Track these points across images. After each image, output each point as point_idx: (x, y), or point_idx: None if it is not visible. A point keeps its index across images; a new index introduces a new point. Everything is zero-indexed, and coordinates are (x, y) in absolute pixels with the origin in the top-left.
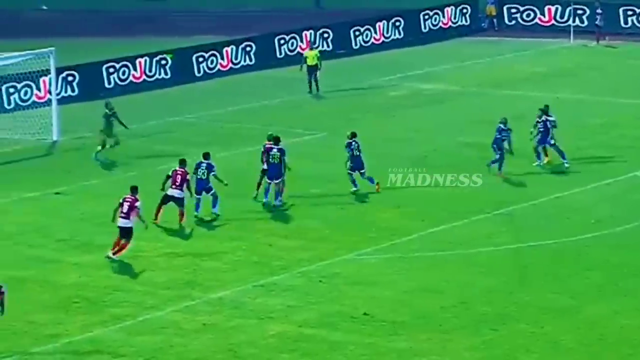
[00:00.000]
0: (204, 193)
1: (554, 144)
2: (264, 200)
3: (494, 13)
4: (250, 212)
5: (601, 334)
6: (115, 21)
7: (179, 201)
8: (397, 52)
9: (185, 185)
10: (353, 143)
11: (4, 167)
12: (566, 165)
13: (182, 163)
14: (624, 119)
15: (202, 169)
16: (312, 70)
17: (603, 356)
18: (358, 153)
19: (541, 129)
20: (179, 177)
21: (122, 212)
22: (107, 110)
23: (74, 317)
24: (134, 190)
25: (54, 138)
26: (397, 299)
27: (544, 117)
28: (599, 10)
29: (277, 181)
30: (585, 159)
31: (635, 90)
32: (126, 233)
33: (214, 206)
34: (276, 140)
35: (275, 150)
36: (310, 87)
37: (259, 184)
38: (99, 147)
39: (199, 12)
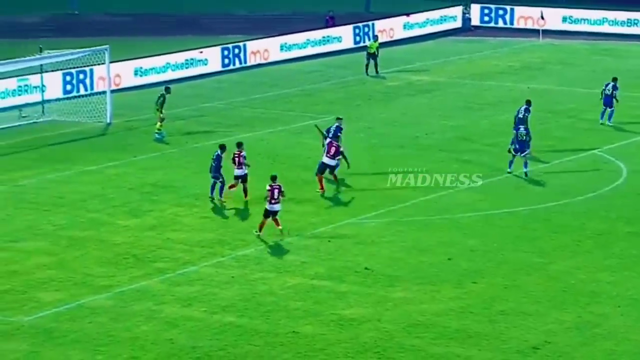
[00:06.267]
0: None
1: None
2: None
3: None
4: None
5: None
6: (162, 24)
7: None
8: (394, 49)
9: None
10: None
11: (68, 145)
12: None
13: (239, 146)
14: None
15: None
16: (372, 57)
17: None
18: None
19: None
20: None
21: None
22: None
23: (123, 270)
24: None
25: (108, 121)
26: (393, 256)
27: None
28: None
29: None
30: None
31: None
32: None
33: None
34: None
35: None
36: (367, 69)
37: None
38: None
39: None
